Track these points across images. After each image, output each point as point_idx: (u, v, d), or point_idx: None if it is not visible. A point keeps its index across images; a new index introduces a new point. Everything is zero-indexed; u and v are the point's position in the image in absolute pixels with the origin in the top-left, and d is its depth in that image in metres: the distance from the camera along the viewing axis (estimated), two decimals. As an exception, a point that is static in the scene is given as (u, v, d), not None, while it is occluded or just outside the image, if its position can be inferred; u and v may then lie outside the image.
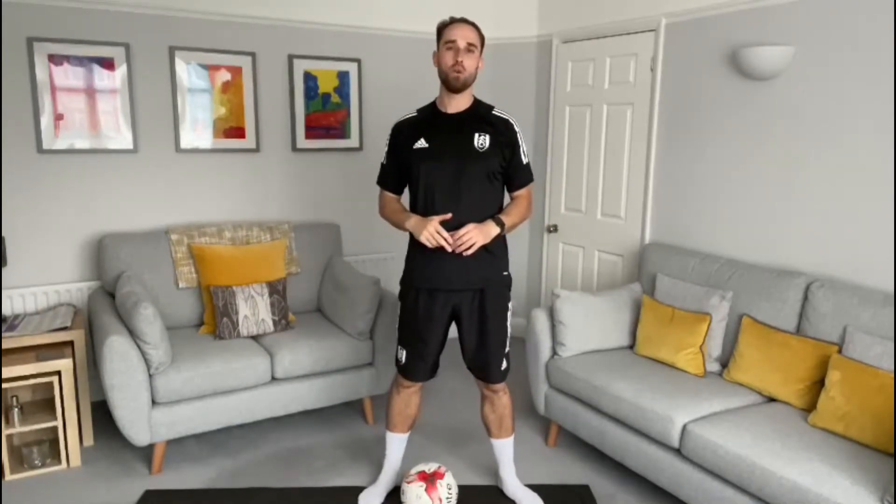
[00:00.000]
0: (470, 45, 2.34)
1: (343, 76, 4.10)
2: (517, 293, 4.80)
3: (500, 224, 2.41)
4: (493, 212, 2.46)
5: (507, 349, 2.59)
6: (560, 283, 4.42)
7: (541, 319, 3.19)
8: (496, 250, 2.48)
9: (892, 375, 2.35)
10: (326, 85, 4.05)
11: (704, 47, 3.37)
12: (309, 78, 3.99)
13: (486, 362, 2.55)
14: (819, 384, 2.57)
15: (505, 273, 2.55)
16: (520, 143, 2.47)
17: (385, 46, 4.21)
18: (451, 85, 2.37)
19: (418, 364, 2.57)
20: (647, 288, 3.44)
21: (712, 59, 3.33)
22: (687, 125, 3.49)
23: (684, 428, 2.53)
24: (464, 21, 2.39)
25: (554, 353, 3.19)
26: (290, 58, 3.91)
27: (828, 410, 2.44)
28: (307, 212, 4.10)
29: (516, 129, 2.47)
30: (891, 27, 2.64)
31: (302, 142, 4.02)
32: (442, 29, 2.41)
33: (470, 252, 2.33)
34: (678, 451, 2.58)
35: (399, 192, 2.59)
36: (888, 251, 2.70)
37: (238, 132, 3.82)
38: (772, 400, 2.73)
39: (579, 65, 4.13)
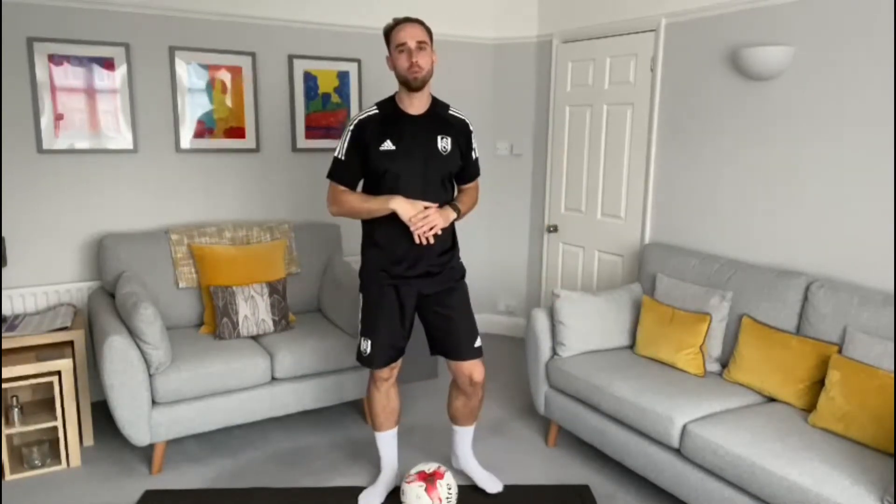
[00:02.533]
0: (420, 42, 2.41)
1: (343, 76, 4.10)
2: (517, 293, 4.81)
3: (457, 210, 2.55)
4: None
5: (477, 329, 2.68)
6: (560, 283, 4.42)
7: (541, 319, 3.19)
8: (449, 238, 2.60)
9: (892, 375, 2.35)
10: (326, 85, 4.05)
11: (704, 47, 3.37)
12: (309, 78, 3.99)
13: (457, 341, 2.61)
14: (819, 384, 2.57)
15: (459, 260, 2.68)
16: (473, 141, 2.64)
17: (385, 46, 4.20)
18: (412, 85, 2.44)
19: (382, 353, 2.59)
20: (647, 288, 3.44)
21: (712, 59, 3.33)
22: (687, 125, 3.49)
23: (684, 428, 2.53)
24: (408, 21, 2.45)
25: (554, 353, 3.19)
26: (290, 58, 3.91)
27: (828, 410, 2.44)
28: (307, 212, 4.10)
29: (471, 129, 2.63)
30: (891, 27, 2.64)
31: (302, 142, 4.02)
32: (389, 33, 2.48)
33: (431, 233, 2.41)
34: (678, 451, 2.58)
35: (354, 188, 2.57)
36: (888, 251, 2.71)
37: (238, 132, 3.82)
38: (772, 400, 2.73)
39: (579, 65, 4.13)
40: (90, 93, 3.40)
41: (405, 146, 2.45)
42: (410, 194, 2.44)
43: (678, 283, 3.21)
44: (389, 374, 2.67)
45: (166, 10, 3.52)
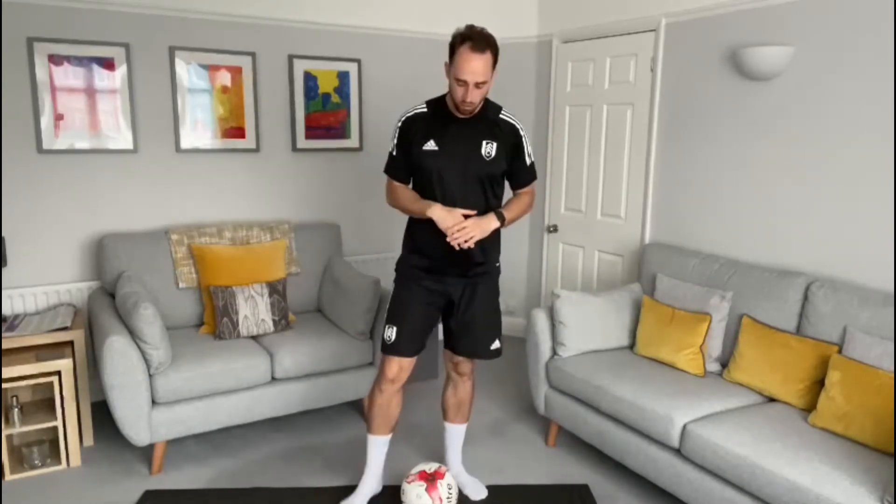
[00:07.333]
0: (480, 83, 2.31)
1: (343, 76, 4.10)
2: (517, 293, 4.81)
3: (501, 218, 2.48)
4: (495, 209, 2.55)
5: (498, 334, 2.68)
6: (560, 283, 4.42)
7: (541, 319, 3.19)
8: (490, 244, 2.56)
9: (892, 375, 2.35)
10: (326, 85, 4.05)
11: (704, 47, 3.37)
12: (309, 78, 3.99)
13: (475, 342, 2.63)
14: (819, 384, 2.57)
15: (497, 264, 2.66)
16: (524, 146, 2.55)
17: (385, 46, 4.21)
18: (459, 113, 2.43)
19: (406, 341, 2.56)
20: (647, 288, 3.44)
21: (712, 59, 3.33)
22: (687, 125, 3.49)
23: (684, 428, 2.53)
24: (478, 51, 2.27)
25: (554, 353, 3.19)
26: (290, 58, 3.91)
27: (828, 410, 2.44)
28: (307, 212, 4.10)
29: (522, 133, 2.54)
30: (891, 27, 2.64)
31: (302, 142, 4.02)
32: (455, 49, 2.32)
33: (467, 245, 2.39)
34: (678, 451, 2.58)
35: (408, 182, 2.62)
36: (888, 251, 2.71)
37: (238, 132, 3.82)
38: (772, 400, 2.73)
39: (579, 65, 4.13)
40: (90, 93, 3.40)
41: (447, 148, 2.44)
42: (449, 195, 2.45)
43: (678, 283, 3.21)
44: (397, 373, 2.58)
45: (166, 10, 3.52)
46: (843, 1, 2.79)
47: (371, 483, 2.71)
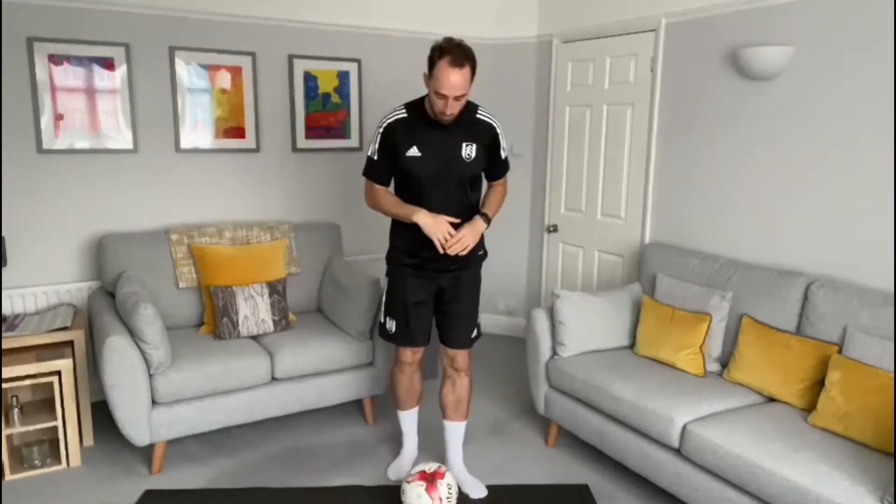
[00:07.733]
0: (459, 96, 2.39)
1: (343, 76, 4.10)
2: (517, 293, 4.81)
3: (487, 220, 2.62)
4: (476, 205, 2.66)
5: (477, 320, 2.81)
6: (560, 283, 4.42)
7: (541, 319, 3.19)
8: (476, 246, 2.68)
9: (892, 375, 2.35)
10: (326, 85, 4.05)
11: (704, 47, 3.37)
12: (309, 78, 3.99)
13: (461, 334, 2.75)
14: (819, 384, 2.57)
15: (480, 252, 2.76)
16: (500, 142, 2.66)
17: (385, 46, 4.21)
18: (439, 121, 2.49)
19: (414, 333, 2.74)
20: (647, 288, 3.44)
21: (712, 59, 3.33)
22: (687, 125, 3.49)
23: (684, 428, 2.53)
24: (456, 65, 2.32)
25: (554, 353, 3.19)
26: (290, 58, 3.91)
27: (828, 410, 2.44)
28: (307, 212, 4.10)
29: (498, 131, 2.64)
30: (891, 27, 2.64)
31: (302, 142, 4.02)
32: (434, 62, 2.37)
33: (464, 253, 2.53)
34: (678, 451, 2.58)
35: (388, 185, 2.69)
36: (888, 251, 2.71)
37: (238, 132, 3.82)
38: (772, 400, 2.73)
39: (579, 65, 4.13)
40: (90, 93, 3.40)
41: (430, 153, 2.53)
42: (433, 198, 2.55)
43: (678, 283, 3.22)
44: (413, 357, 2.81)
45: (166, 10, 3.52)
46: (843, 1, 2.79)
47: (411, 447, 3.02)
